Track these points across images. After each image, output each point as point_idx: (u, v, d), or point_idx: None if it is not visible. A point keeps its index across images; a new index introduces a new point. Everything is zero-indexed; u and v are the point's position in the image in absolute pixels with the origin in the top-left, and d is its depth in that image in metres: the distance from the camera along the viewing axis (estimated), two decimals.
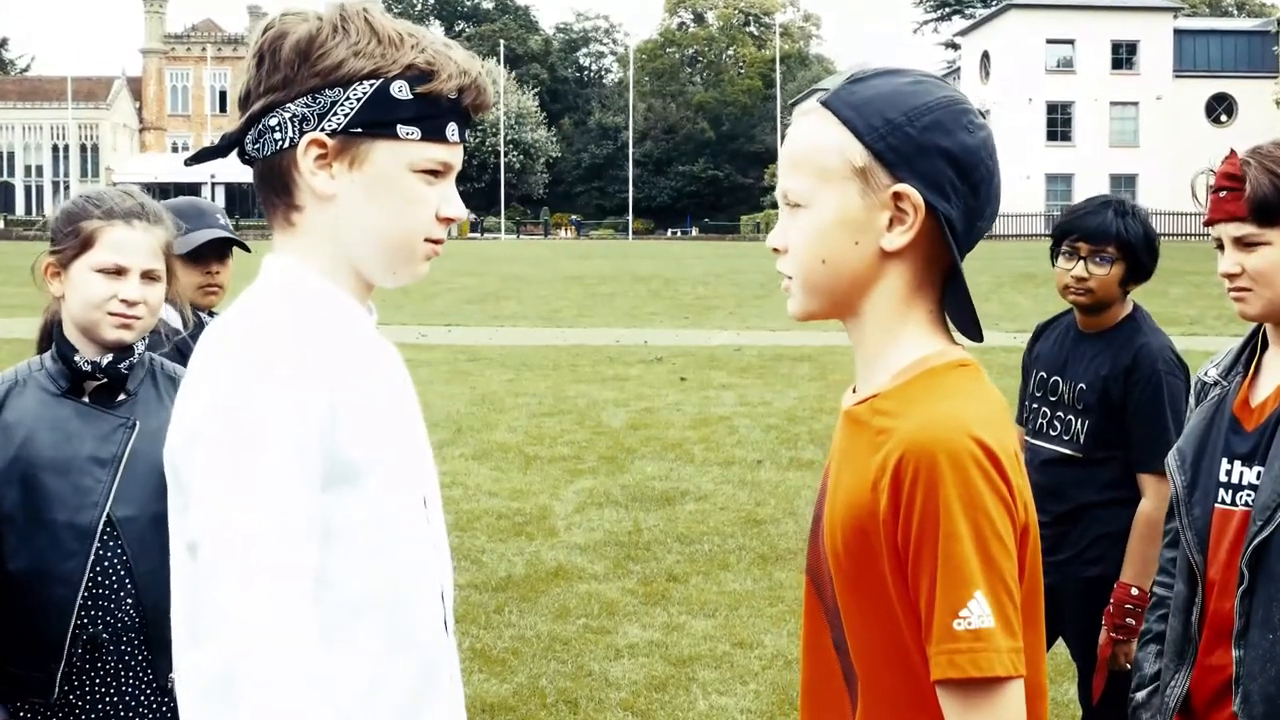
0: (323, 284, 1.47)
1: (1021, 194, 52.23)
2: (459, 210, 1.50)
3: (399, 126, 1.43)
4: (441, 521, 1.58)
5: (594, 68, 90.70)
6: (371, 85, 1.42)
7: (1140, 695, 2.34)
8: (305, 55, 1.42)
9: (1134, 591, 3.10)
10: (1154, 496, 3.08)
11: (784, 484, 8.15)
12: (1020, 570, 1.30)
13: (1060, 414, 3.25)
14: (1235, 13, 75.58)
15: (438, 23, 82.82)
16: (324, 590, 1.35)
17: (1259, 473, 2.11)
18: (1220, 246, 2.18)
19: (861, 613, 1.36)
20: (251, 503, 1.28)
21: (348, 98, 1.42)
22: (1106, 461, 3.18)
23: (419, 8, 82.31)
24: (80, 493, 2.14)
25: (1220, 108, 59.01)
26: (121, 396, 2.24)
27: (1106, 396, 3.15)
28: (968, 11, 76.28)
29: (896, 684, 1.34)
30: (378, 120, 1.43)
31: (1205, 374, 2.33)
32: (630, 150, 69.83)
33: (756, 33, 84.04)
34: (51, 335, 2.26)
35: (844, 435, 1.44)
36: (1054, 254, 3.23)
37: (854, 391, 1.45)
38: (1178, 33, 58.55)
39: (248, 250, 3.32)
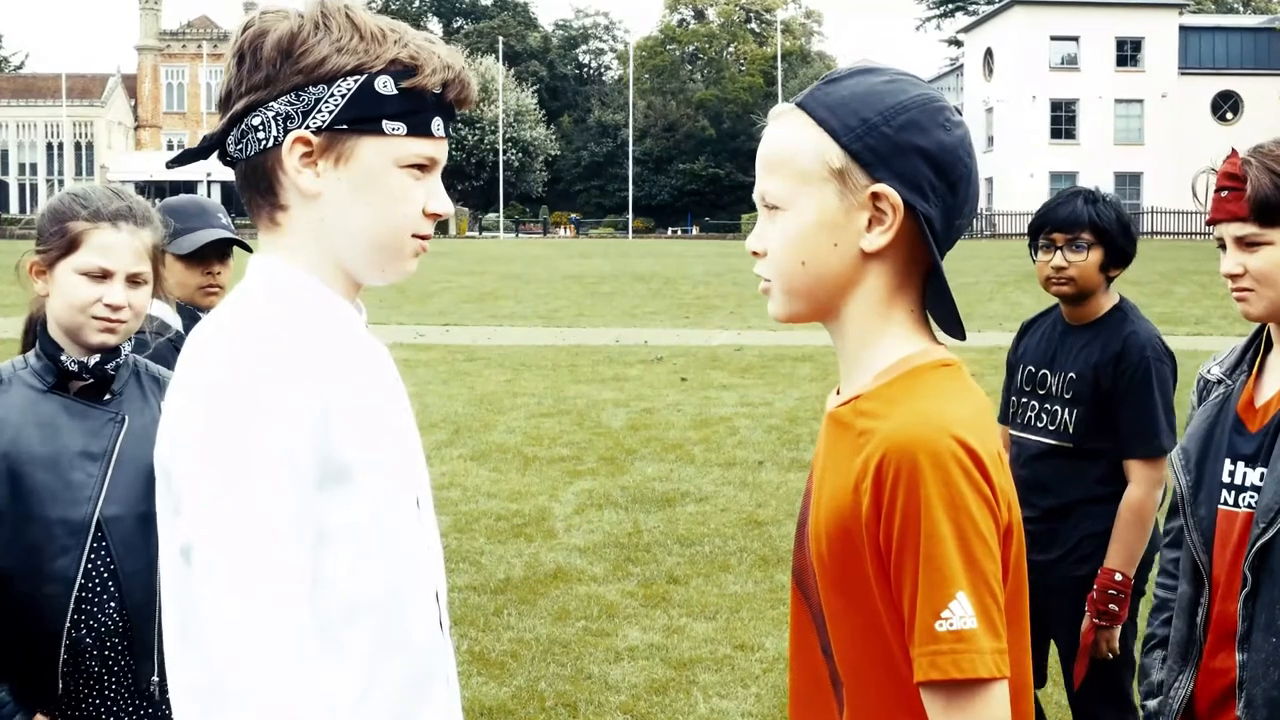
0: (311, 283, 1.46)
1: (1025, 192, 51.87)
2: (445, 205, 1.49)
3: (384, 122, 1.42)
4: (434, 522, 1.57)
5: (593, 65, 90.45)
6: (356, 81, 1.41)
7: (1152, 704, 2.33)
8: (287, 53, 1.41)
9: (1118, 577, 3.10)
10: (1141, 482, 3.11)
11: (785, 485, 8.12)
12: (1004, 570, 1.29)
13: (1048, 406, 3.26)
14: (1241, 9, 75.32)
15: (436, 19, 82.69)
16: (319, 592, 1.34)
17: (1262, 474, 2.10)
18: (1223, 246, 2.16)
19: (846, 616, 1.35)
20: (243, 507, 1.28)
21: (332, 94, 1.40)
22: (1095, 456, 3.19)
23: (416, 4, 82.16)
24: (71, 488, 2.12)
25: (1226, 105, 58.83)
26: (107, 396, 2.23)
27: (1097, 385, 3.16)
28: (971, 8, 75.88)
29: (882, 687, 1.33)
30: (363, 116, 1.41)
31: (1208, 372, 2.32)
32: (630, 148, 69.56)
33: (757, 29, 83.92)
34: (35, 333, 2.25)
35: (828, 437, 1.43)
36: (1033, 251, 3.27)
37: (838, 393, 1.45)
38: (1183, 29, 58.39)
39: (250, 250, 3.29)
